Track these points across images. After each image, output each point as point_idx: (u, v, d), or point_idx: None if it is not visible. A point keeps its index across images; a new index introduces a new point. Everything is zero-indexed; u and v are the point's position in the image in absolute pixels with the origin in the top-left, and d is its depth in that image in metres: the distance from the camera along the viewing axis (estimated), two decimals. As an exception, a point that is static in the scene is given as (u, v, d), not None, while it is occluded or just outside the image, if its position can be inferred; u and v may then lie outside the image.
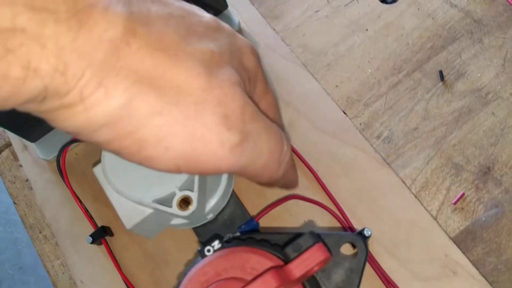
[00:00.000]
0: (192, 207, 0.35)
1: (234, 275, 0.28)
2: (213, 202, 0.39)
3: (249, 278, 0.27)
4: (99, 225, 0.46)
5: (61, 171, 0.46)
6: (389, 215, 0.43)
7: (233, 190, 0.42)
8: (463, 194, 0.45)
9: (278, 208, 0.43)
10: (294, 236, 0.30)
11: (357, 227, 0.43)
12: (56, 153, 0.49)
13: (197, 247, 0.45)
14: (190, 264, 0.38)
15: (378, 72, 0.51)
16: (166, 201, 0.36)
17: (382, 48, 0.52)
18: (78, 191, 0.47)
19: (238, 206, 0.41)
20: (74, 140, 0.47)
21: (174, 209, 0.35)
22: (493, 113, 0.47)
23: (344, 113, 0.49)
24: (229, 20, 0.50)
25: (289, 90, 0.49)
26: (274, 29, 0.53)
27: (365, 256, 0.32)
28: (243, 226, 0.39)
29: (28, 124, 0.48)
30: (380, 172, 0.45)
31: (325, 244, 0.28)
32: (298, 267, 0.27)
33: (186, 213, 0.35)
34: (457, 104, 0.48)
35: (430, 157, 0.47)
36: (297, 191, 0.44)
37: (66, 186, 0.47)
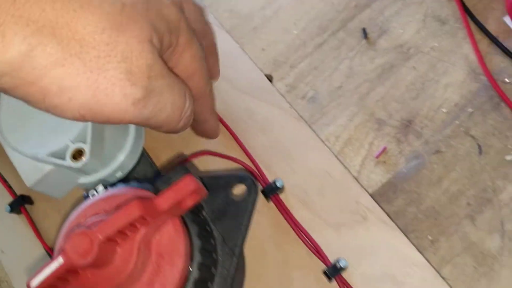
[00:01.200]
0: (84, 159, 0.35)
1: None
2: (121, 159, 0.40)
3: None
4: (19, 193, 0.46)
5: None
6: (303, 168, 0.44)
7: (144, 148, 0.42)
8: (385, 148, 0.46)
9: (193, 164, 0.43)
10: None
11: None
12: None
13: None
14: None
15: (304, 33, 0.51)
16: (61, 155, 0.36)
17: (308, 9, 0.52)
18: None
19: (149, 164, 0.42)
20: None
21: (67, 161, 0.35)
22: (414, 67, 0.48)
23: (262, 71, 0.49)
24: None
25: None
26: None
27: (254, 195, 0.32)
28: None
29: None
30: (295, 127, 0.46)
31: (202, 181, 0.29)
32: (166, 199, 0.27)
33: (78, 164, 0.35)
34: (380, 60, 0.49)
35: (353, 113, 0.48)
36: (214, 148, 0.45)
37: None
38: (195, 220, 0.30)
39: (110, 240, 0.26)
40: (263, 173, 0.42)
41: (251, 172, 0.42)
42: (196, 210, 0.31)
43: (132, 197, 0.28)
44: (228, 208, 0.32)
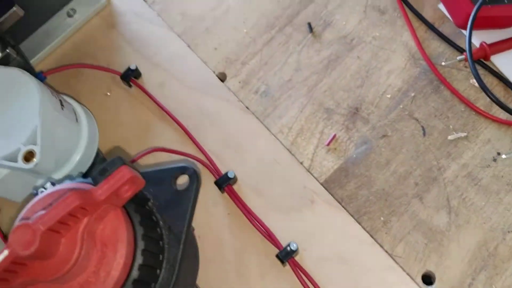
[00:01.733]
0: (36, 159, 0.36)
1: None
2: (76, 159, 0.41)
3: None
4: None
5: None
6: (253, 158, 0.46)
7: (98, 148, 0.44)
8: (334, 136, 0.48)
9: (146, 161, 0.45)
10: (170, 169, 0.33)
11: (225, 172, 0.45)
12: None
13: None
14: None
15: (253, 31, 0.53)
16: (14, 158, 0.37)
17: (255, 7, 0.54)
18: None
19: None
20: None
21: (19, 163, 0.36)
22: (358, 57, 0.50)
23: (207, 66, 0.51)
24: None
25: (156, 52, 0.51)
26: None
27: (196, 183, 0.34)
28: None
29: None
30: (244, 120, 0.48)
31: (146, 175, 0.30)
32: (103, 189, 0.29)
33: (30, 165, 0.36)
34: (326, 52, 0.51)
35: (303, 105, 0.50)
36: (168, 145, 0.46)
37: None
38: (137, 210, 0.32)
39: (53, 231, 0.27)
40: (215, 165, 0.44)
41: (204, 165, 0.43)
42: (140, 202, 0.32)
43: (70, 189, 0.29)
44: (172, 198, 0.34)
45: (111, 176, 0.29)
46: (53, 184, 0.34)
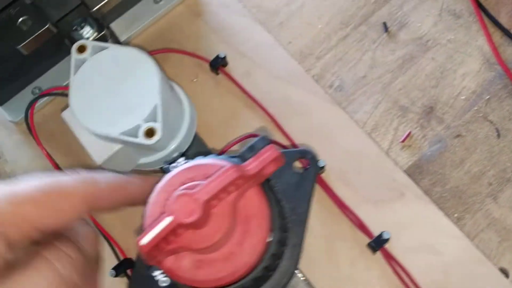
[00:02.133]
0: (157, 136, 0.37)
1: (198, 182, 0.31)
2: (178, 141, 0.42)
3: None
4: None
5: (30, 128, 0.48)
6: (340, 149, 0.47)
7: (196, 132, 0.45)
8: (409, 133, 0.49)
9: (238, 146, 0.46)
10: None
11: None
12: (20, 117, 0.51)
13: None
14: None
15: (328, 27, 0.54)
16: (132, 134, 0.38)
17: (330, 4, 0.55)
18: (48, 148, 0.49)
19: (202, 146, 0.44)
20: (41, 96, 0.48)
21: (141, 138, 0.38)
22: (433, 58, 0.51)
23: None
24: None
25: (243, 42, 0.52)
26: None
27: (316, 166, 0.36)
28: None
29: None
30: (330, 112, 0.49)
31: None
32: (253, 165, 0.30)
33: (152, 141, 0.38)
34: (400, 52, 0.52)
35: (378, 101, 0.51)
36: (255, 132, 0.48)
37: (36, 144, 0.48)
38: (270, 188, 0.33)
39: (210, 202, 0.29)
40: (305, 156, 0.46)
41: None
42: (267, 181, 0.33)
43: (224, 164, 0.30)
44: (292, 180, 0.35)
45: (260, 153, 0.30)
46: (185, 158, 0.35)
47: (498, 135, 0.48)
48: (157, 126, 0.38)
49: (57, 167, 0.48)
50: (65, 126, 0.44)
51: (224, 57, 0.49)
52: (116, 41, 0.49)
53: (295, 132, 0.48)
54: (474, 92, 0.50)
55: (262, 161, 0.30)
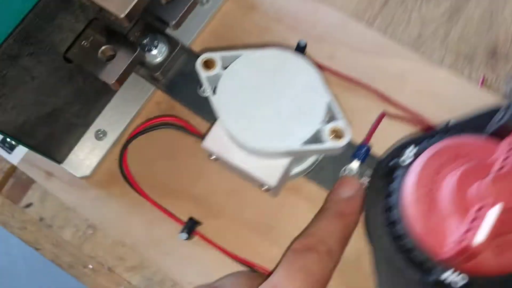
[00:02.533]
0: (347, 135, 0.34)
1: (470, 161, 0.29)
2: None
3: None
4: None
5: (128, 178, 0.42)
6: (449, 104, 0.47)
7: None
8: (484, 76, 0.50)
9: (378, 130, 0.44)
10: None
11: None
12: (93, 166, 0.44)
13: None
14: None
15: (366, -5, 0.54)
16: (313, 141, 0.35)
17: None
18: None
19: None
20: (134, 137, 0.42)
21: (329, 143, 0.34)
22: (476, 5, 0.53)
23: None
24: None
25: (313, 25, 0.50)
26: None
27: None
28: (358, 152, 0.40)
29: (55, 142, 0.42)
30: (430, 73, 0.49)
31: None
32: None
33: (343, 142, 0.34)
34: (445, 4, 0.53)
35: (442, 56, 0.51)
36: (366, 112, 0.46)
37: (137, 192, 0.42)
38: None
39: None
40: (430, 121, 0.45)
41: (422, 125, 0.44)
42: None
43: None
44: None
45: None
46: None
47: None
48: (341, 124, 0.34)
49: (165, 211, 0.43)
50: (147, 166, 0.41)
51: (305, 45, 0.45)
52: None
53: (405, 102, 0.46)
54: (527, 23, 0.52)
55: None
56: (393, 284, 0.33)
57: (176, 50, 0.42)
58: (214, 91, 0.36)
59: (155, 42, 0.42)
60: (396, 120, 0.45)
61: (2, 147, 0.47)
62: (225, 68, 0.37)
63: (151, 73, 0.42)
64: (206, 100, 0.40)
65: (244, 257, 0.43)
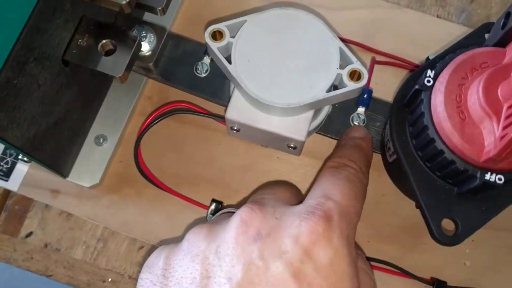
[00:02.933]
0: (365, 75, 0.36)
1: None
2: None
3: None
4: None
5: (145, 173, 0.41)
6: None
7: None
8: (437, 15, 0.54)
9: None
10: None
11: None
12: (101, 173, 0.43)
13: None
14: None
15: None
16: (335, 87, 0.37)
17: None
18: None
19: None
20: (147, 128, 0.42)
21: (351, 85, 0.36)
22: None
23: None
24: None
25: None
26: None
27: None
28: (362, 97, 0.42)
29: (61, 154, 0.41)
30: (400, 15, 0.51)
31: None
32: None
33: (363, 82, 0.36)
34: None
35: (397, 1, 0.55)
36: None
37: (158, 186, 0.42)
38: None
39: None
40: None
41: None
42: None
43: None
44: None
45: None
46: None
47: (499, -14, 0.56)
48: (357, 65, 0.36)
49: (189, 199, 0.43)
50: (157, 161, 0.42)
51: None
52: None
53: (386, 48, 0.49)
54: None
55: None
56: (433, 199, 0.35)
57: (165, 36, 0.42)
58: (228, 61, 0.37)
59: (143, 33, 0.42)
60: (384, 65, 0.47)
61: (-4, 176, 0.44)
62: (233, 36, 0.37)
63: (144, 64, 0.42)
64: (204, 80, 0.41)
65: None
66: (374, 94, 0.44)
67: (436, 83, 0.34)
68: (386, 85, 0.47)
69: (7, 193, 0.47)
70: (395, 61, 0.48)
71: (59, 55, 0.36)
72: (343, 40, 0.48)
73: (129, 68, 0.37)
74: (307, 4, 0.50)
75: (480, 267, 0.43)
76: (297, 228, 0.30)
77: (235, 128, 0.38)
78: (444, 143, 0.33)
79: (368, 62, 0.46)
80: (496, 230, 0.43)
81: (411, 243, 0.44)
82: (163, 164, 0.45)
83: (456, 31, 0.51)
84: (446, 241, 0.35)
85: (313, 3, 0.51)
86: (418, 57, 0.49)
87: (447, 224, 0.36)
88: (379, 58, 0.48)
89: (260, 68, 0.36)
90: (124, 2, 0.33)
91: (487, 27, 0.39)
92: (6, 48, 0.31)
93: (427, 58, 0.46)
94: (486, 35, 0.39)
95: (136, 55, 0.38)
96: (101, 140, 0.44)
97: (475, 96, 0.33)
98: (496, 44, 0.35)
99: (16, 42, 0.31)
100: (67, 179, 0.43)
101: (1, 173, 0.44)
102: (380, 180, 0.45)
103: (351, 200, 0.34)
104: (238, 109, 0.37)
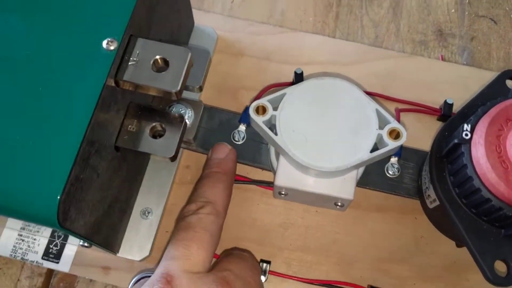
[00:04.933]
0: (404, 133, 0.38)
1: None
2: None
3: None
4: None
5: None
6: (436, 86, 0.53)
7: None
8: (442, 56, 0.57)
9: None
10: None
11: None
12: (150, 245, 0.44)
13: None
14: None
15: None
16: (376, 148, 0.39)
17: (306, -2, 0.59)
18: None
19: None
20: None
21: (392, 144, 0.38)
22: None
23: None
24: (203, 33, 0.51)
25: (300, 52, 0.54)
26: None
27: None
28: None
29: (113, 233, 0.42)
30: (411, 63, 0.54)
31: None
32: None
33: (402, 140, 0.38)
34: (386, 3, 0.60)
35: (402, 48, 0.58)
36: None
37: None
38: None
39: None
40: None
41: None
42: None
43: None
44: None
45: None
46: None
47: (495, 22, 0.60)
48: (395, 125, 0.38)
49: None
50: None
51: (302, 72, 0.48)
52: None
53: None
54: (457, 1, 0.60)
55: None
56: (482, 243, 0.37)
57: (202, 110, 0.44)
58: (274, 132, 0.39)
59: (181, 109, 0.43)
60: (406, 112, 0.50)
61: (48, 260, 0.45)
62: (275, 109, 0.39)
63: (185, 138, 0.43)
64: (241, 147, 0.42)
65: (316, 278, 0.45)
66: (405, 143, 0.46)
67: (474, 136, 0.37)
68: (410, 130, 0.49)
69: (51, 272, 0.48)
70: (415, 107, 0.51)
71: (112, 143, 0.38)
72: (366, 93, 0.51)
73: (179, 147, 0.39)
74: (323, 61, 0.53)
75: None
76: None
77: (283, 192, 0.40)
78: (490, 192, 0.36)
79: (390, 111, 0.49)
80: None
81: (455, 281, 0.46)
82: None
83: (464, 73, 0.54)
84: (500, 282, 0.37)
85: (329, 61, 0.53)
86: (433, 101, 0.51)
87: (499, 265, 0.38)
88: (399, 106, 0.51)
89: (305, 137, 0.38)
90: (175, 90, 0.35)
91: (508, 74, 0.42)
92: (74, 148, 0.32)
93: (445, 102, 0.49)
94: (508, 82, 0.42)
95: (184, 133, 0.39)
96: (147, 214, 0.45)
97: None
98: (522, 94, 0.38)
99: (82, 141, 0.32)
100: (118, 255, 0.44)
101: (52, 256, 0.45)
102: (417, 223, 0.47)
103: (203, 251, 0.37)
104: (286, 176, 0.39)
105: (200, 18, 0.54)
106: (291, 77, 0.50)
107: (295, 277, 0.45)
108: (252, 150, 0.45)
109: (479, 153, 0.36)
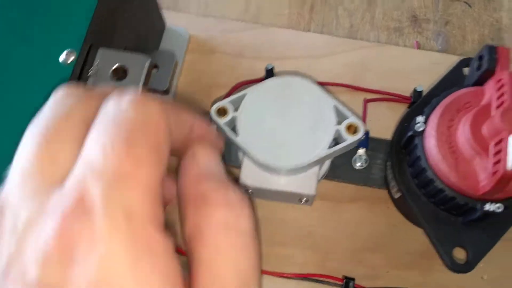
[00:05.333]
0: (361, 128, 0.39)
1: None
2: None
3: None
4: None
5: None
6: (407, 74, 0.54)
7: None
8: (417, 42, 0.57)
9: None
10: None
11: None
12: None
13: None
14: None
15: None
16: (336, 143, 0.40)
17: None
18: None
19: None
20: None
21: (350, 139, 0.39)
22: (385, -17, 0.60)
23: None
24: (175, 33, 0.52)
25: (272, 47, 0.55)
26: None
27: None
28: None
29: None
30: (384, 51, 0.55)
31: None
32: None
33: (360, 134, 0.39)
34: (361, -7, 0.60)
35: (377, 36, 0.58)
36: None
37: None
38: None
39: None
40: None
41: None
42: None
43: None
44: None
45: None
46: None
47: (469, 5, 0.60)
48: (353, 119, 0.39)
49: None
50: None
51: (273, 68, 0.49)
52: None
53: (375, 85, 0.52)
54: (431, -13, 0.60)
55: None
56: (441, 231, 0.38)
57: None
58: (235, 133, 0.40)
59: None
60: (377, 102, 0.51)
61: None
62: (236, 109, 0.40)
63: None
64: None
65: (293, 272, 0.47)
66: (372, 131, 0.47)
67: (427, 127, 0.37)
68: (381, 120, 0.50)
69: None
70: (386, 96, 0.51)
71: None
72: (333, 84, 0.52)
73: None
74: (295, 56, 0.54)
75: (496, 279, 0.46)
76: None
77: (250, 191, 0.42)
78: (443, 182, 0.37)
79: (360, 102, 0.50)
80: (505, 240, 0.46)
81: (430, 266, 0.47)
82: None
83: (438, 59, 0.55)
84: (459, 269, 0.38)
85: (301, 55, 0.54)
86: (407, 90, 0.52)
87: (458, 253, 0.39)
88: (370, 96, 0.51)
89: (265, 136, 0.39)
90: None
91: (465, 62, 0.42)
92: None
93: (414, 90, 0.50)
94: (465, 69, 0.42)
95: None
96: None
97: (463, 136, 0.36)
98: (475, 84, 0.38)
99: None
100: None
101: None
102: (389, 212, 0.48)
103: None
104: (250, 175, 0.40)
105: (173, 19, 0.55)
106: (263, 73, 0.51)
107: (272, 272, 0.46)
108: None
109: (431, 144, 0.37)
